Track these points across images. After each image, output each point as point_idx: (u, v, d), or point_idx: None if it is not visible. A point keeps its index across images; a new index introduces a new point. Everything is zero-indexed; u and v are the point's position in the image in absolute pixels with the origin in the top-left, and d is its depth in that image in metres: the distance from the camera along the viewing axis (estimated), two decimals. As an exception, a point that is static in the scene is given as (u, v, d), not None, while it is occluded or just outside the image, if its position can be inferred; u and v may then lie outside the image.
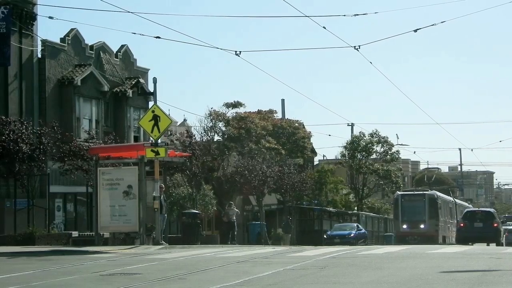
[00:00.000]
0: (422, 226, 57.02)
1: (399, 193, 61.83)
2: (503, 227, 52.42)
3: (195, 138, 48.25)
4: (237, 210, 47.48)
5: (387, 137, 73.22)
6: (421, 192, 60.61)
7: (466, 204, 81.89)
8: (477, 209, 58.23)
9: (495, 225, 46.33)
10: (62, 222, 42.81)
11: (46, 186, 37.92)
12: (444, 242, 57.90)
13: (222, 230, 48.28)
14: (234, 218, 45.83)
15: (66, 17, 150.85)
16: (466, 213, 49.22)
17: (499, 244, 45.86)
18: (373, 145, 72.33)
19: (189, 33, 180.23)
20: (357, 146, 71.78)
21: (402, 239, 55.79)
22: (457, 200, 73.55)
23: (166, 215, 32.88)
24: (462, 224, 46.12)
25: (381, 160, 72.62)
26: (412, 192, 62.03)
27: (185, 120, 70.09)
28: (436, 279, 15.37)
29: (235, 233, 45.51)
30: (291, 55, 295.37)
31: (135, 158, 30.64)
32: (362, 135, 72.35)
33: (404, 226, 57.49)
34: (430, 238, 54.29)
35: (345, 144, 72.38)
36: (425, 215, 57.45)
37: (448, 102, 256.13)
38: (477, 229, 43.78)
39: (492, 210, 54.72)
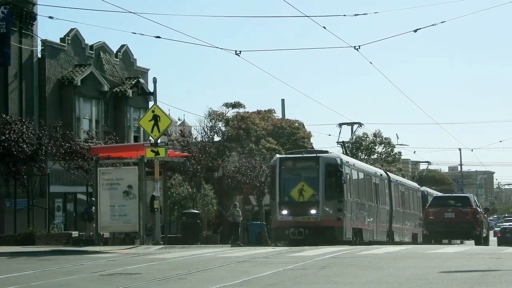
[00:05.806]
0: (313, 211, 34.30)
1: (278, 156, 37.01)
2: None
3: (194, 139, 48.19)
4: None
5: (389, 138, 73.17)
6: (314, 155, 35.91)
7: (409, 182, 57.84)
8: (507, 226, 76.52)
9: None
10: (62, 222, 42.82)
11: (46, 186, 37.96)
12: (355, 238, 36.41)
13: (226, 230, 48.27)
14: (240, 219, 46.00)
15: (66, 17, 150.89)
16: (501, 229, 66.89)
17: None
18: (375, 145, 72.15)
19: (190, 33, 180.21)
20: (359, 146, 71.61)
21: (280, 233, 35.28)
22: (390, 175, 48.31)
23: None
24: (499, 234, 64.71)
25: (382, 161, 72.48)
26: (300, 155, 36.75)
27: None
28: (436, 279, 15.36)
29: (239, 234, 45.64)
30: (291, 55, 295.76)
31: (135, 158, 30.65)
32: (365, 136, 72.07)
33: (284, 212, 34.60)
34: (327, 232, 33.89)
35: (348, 140, 72.17)
36: (319, 193, 34.47)
37: (448, 102, 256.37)
38: (508, 237, 62.87)
39: None
